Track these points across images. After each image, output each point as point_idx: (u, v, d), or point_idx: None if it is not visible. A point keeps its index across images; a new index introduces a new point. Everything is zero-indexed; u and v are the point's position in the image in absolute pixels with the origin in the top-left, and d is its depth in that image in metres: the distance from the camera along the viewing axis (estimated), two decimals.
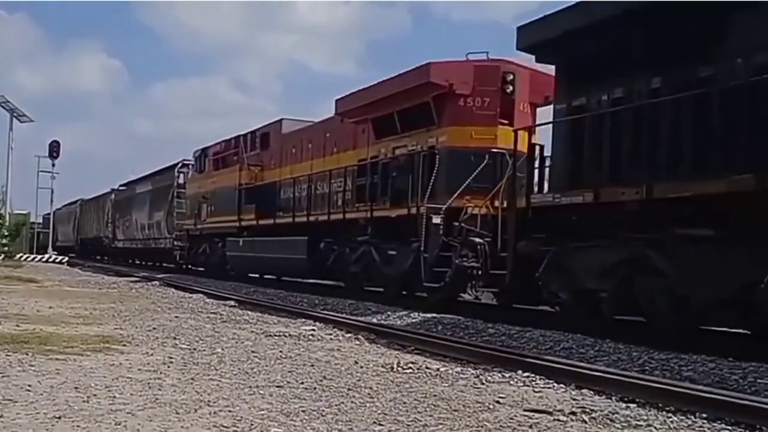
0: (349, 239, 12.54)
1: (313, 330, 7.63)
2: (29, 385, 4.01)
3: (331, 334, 7.40)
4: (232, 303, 10.86)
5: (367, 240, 11.90)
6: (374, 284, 12.30)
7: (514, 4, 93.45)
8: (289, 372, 4.92)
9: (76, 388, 4.02)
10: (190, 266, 22.35)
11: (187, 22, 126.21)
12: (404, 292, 11.38)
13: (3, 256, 29.27)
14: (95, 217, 35.97)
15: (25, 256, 32.55)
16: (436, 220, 9.83)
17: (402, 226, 10.78)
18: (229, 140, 18.98)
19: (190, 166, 22.79)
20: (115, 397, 3.83)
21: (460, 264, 9.46)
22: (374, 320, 8.88)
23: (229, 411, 3.62)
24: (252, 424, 3.36)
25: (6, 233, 32.99)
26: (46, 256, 34.10)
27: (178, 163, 24.16)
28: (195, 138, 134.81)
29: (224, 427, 3.30)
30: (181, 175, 23.63)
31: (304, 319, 8.77)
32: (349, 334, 7.37)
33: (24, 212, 42.73)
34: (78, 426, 3.19)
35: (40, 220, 46.86)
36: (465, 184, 9.84)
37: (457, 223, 9.60)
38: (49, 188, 40.48)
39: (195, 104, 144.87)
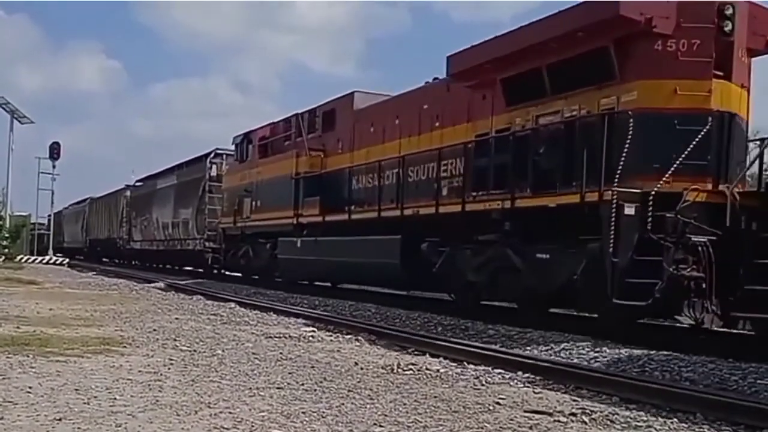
0: (466, 238, 9.63)
1: (314, 331, 7.64)
2: (30, 387, 4.02)
3: (331, 335, 7.41)
4: (232, 305, 10.86)
5: (501, 239, 8.93)
6: (499, 298, 9.69)
7: (514, 3, 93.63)
8: (290, 373, 4.93)
9: (76, 389, 4.03)
10: (224, 271, 19.79)
11: (186, 22, 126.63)
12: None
13: (3, 258, 29.30)
14: (107, 217, 33.61)
15: (25, 258, 32.57)
16: (629, 210, 7.16)
17: (561, 220, 8.01)
18: (278, 122, 16.42)
19: (225, 156, 20.48)
20: (115, 398, 3.83)
21: (676, 273, 6.87)
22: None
23: (230, 413, 3.63)
24: (252, 426, 3.36)
25: (6, 235, 33.02)
26: (46, 258, 34.00)
27: (210, 153, 21.39)
28: (196, 138, 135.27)
29: (225, 428, 3.31)
30: (214, 167, 20.92)
31: (304, 320, 8.78)
32: (349, 335, 7.38)
33: (24, 214, 42.82)
34: (79, 428, 3.19)
35: (44, 221, 46.65)
36: (679, 161, 7.15)
37: (671, 215, 6.96)
38: (49, 190, 40.48)
39: (195, 104, 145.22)
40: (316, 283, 15.23)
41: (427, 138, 10.98)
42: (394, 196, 11.42)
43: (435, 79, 11.30)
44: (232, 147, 18.83)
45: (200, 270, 21.96)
